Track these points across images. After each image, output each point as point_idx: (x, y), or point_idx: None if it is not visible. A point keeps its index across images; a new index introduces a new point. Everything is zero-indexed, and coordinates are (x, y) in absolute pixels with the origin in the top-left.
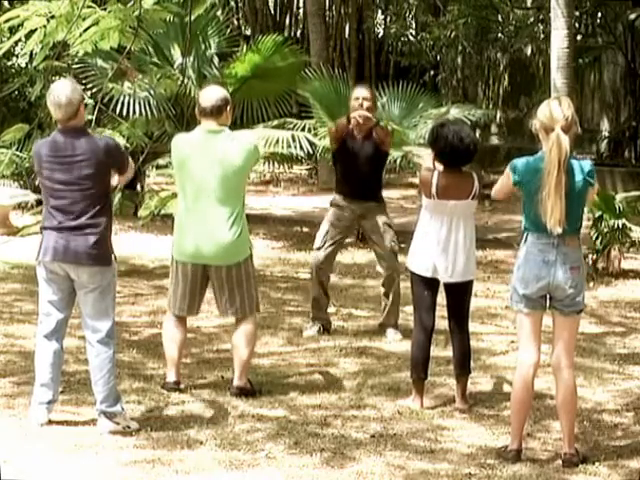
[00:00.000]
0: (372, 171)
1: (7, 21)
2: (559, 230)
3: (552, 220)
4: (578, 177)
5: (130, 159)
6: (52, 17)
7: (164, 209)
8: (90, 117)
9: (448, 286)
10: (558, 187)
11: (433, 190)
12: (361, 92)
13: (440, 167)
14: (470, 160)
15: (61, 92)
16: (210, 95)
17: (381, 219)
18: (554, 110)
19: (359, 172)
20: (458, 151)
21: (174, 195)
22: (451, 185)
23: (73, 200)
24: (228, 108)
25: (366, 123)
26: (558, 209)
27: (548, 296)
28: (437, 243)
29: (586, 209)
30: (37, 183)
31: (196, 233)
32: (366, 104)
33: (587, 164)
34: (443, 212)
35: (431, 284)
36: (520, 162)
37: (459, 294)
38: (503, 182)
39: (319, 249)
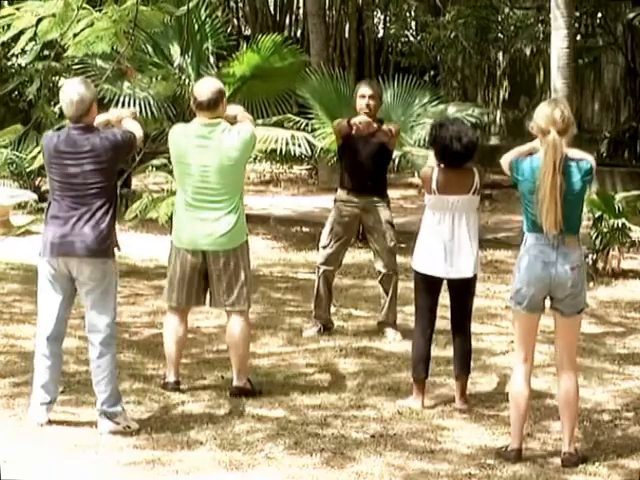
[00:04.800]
0: (377, 166)
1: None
2: (554, 232)
3: (548, 222)
4: (575, 178)
5: (135, 129)
6: (43, 17)
7: (151, 212)
8: None
9: (451, 283)
10: (553, 190)
11: (433, 185)
12: (366, 90)
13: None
14: (469, 159)
15: (73, 89)
16: (205, 88)
17: (384, 216)
18: (550, 113)
19: (364, 167)
20: (457, 151)
21: (164, 198)
22: (451, 180)
23: (79, 193)
24: (224, 100)
25: (367, 128)
26: (553, 211)
27: (549, 297)
28: (440, 239)
29: (585, 209)
30: (37, 183)
31: (195, 222)
32: (372, 102)
33: (585, 164)
34: (445, 208)
35: (434, 284)
36: (519, 162)
37: (462, 291)
38: (505, 166)
39: (325, 247)
